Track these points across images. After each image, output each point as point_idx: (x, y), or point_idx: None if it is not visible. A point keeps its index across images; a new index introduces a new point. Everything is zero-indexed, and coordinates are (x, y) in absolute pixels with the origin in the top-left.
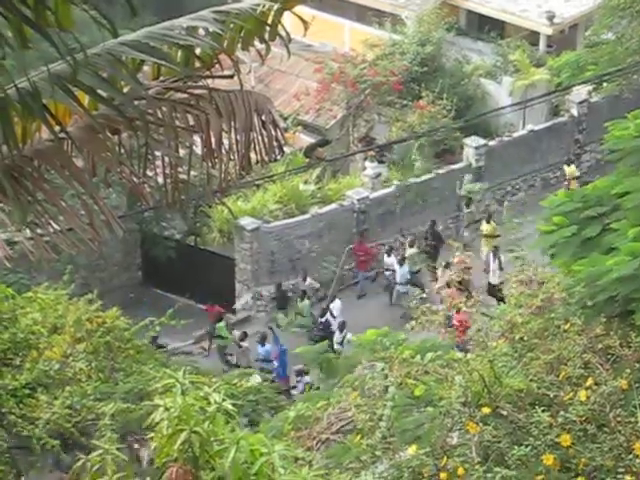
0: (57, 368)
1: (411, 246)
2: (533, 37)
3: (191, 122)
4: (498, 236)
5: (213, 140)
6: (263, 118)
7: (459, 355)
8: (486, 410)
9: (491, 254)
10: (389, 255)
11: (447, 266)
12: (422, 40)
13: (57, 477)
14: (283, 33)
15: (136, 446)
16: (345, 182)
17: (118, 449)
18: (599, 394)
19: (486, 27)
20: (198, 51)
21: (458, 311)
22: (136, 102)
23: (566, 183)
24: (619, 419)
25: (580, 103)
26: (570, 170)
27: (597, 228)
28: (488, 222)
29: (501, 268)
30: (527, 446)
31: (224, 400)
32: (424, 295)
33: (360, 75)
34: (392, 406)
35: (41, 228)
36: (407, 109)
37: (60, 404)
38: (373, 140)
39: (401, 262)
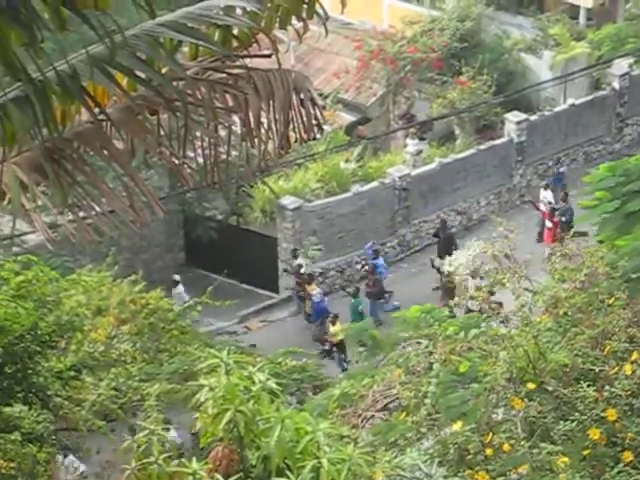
0: (102, 350)
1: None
2: (573, 10)
3: (230, 102)
4: None
5: (252, 120)
6: (302, 97)
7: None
8: (531, 386)
9: None
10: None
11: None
12: (461, 16)
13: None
14: (320, 11)
15: None
16: (386, 160)
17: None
18: None
19: (525, 1)
20: (236, 31)
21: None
22: (174, 83)
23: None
24: None
25: (621, 76)
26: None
27: None
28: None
29: None
30: (573, 421)
31: (268, 379)
32: None
33: (399, 52)
34: (437, 383)
35: (83, 210)
36: (447, 85)
37: (105, 386)
38: (414, 117)
39: None
